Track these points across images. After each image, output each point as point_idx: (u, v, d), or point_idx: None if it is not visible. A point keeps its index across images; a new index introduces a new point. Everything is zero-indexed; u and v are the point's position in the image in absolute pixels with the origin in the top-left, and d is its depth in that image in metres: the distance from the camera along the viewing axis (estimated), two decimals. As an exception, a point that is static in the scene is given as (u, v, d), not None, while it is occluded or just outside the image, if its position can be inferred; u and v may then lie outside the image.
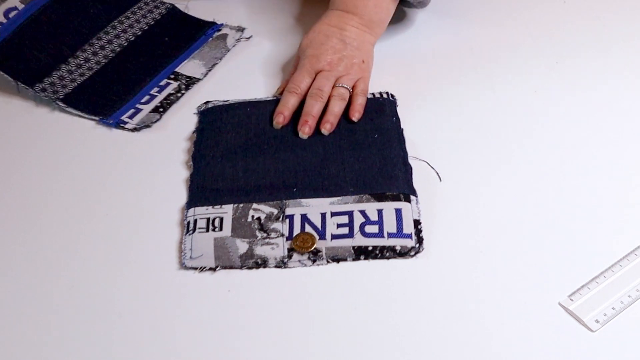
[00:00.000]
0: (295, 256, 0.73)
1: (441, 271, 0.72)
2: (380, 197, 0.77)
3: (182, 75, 0.96)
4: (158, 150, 0.87)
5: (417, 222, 0.75)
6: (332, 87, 0.88)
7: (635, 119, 0.89)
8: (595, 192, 0.80)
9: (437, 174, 0.81)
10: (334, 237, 0.74)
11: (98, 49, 0.97)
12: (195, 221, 0.76)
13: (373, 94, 0.91)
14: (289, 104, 0.88)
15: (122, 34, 1.00)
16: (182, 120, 0.90)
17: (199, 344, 0.67)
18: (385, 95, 0.91)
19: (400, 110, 0.89)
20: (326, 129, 0.85)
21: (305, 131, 0.85)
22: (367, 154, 0.82)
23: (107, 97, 0.93)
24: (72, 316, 0.69)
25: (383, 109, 0.88)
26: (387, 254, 0.73)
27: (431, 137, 0.87)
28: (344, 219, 0.76)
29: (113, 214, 0.79)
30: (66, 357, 0.66)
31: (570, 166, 0.83)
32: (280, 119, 0.86)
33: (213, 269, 0.73)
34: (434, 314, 0.68)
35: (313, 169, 0.81)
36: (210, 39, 1.02)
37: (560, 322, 0.67)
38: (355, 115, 0.87)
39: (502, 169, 0.83)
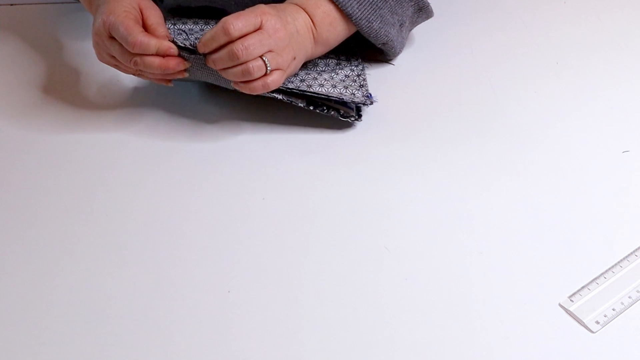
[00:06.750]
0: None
1: (441, 271, 0.72)
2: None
3: None
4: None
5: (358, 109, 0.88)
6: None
7: (636, 120, 0.89)
8: (596, 192, 0.80)
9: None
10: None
11: None
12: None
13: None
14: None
15: None
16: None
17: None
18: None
19: (399, 111, 0.90)
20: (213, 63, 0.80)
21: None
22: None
23: None
24: (72, 315, 0.69)
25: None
26: (332, 112, 0.86)
27: (431, 138, 0.87)
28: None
29: (113, 214, 0.79)
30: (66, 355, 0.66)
31: (570, 167, 0.83)
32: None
33: None
34: (433, 314, 0.68)
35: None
36: None
37: (560, 323, 0.67)
38: (251, 89, 0.81)
39: (502, 169, 0.83)
